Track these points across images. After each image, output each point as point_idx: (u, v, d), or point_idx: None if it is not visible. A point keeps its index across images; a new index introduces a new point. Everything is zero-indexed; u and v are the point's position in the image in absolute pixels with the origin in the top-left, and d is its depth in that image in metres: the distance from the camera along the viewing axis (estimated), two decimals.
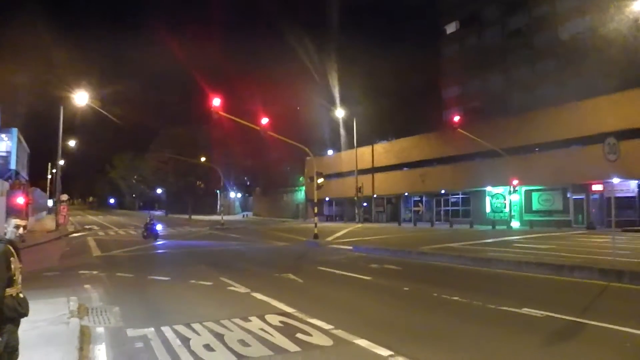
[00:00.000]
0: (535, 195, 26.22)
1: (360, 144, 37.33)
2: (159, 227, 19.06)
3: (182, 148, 45.25)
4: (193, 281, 8.26)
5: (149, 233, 18.68)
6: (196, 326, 5.14)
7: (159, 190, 59.90)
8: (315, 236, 17.90)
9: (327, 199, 42.36)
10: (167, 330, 5.01)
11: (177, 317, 5.60)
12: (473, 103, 39.99)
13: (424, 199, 34.34)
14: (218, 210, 58.27)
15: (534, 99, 33.66)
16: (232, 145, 47.79)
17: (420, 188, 32.55)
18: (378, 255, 12.70)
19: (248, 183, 61.38)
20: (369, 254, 13.22)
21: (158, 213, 61.58)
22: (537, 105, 28.35)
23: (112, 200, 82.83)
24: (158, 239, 18.26)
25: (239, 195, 62.66)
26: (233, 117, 17.64)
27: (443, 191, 31.61)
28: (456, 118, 23.83)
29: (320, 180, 19.23)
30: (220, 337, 4.76)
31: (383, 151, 36.77)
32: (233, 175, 50.89)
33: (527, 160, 25.01)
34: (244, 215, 54.66)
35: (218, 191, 51.94)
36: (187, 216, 45.14)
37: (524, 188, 26.10)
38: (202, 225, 32.85)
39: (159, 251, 14.62)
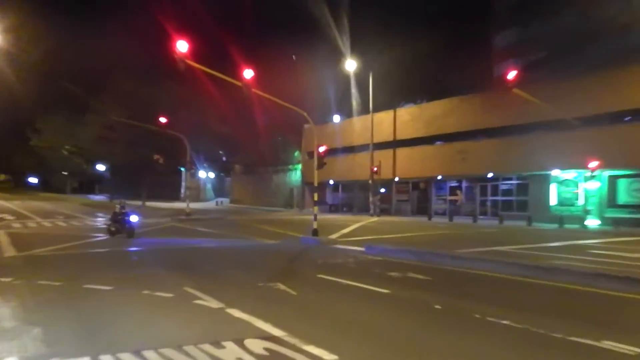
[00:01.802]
0: (622, 183, 26.00)
1: (378, 108, 37.27)
2: (134, 218, 17.91)
3: (135, 109, 44.40)
4: (146, 291, 8.27)
5: (121, 226, 17.84)
6: (149, 354, 5.10)
7: (101, 167, 59.03)
8: (315, 232, 18.12)
9: (331, 182, 42.77)
10: (107, 359, 4.95)
11: (123, 341, 5.57)
12: (535, 53, 39.42)
13: (463, 184, 34.46)
14: (182, 195, 58.72)
15: (625, 47, 32.86)
16: (205, 107, 47.62)
17: (459, 170, 32.59)
18: (399, 260, 12.82)
19: (225, 159, 61.48)
20: (387, 257, 13.35)
21: (99, 198, 61.77)
22: (630, 57, 27.41)
23: (34, 180, 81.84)
24: (134, 236, 17.54)
25: (212, 175, 62.98)
26: (205, 68, 17.37)
27: (490, 175, 31.68)
28: (511, 74, 23.34)
29: (323, 153, 19.27)
30: None
31: (409, 118, 36.66)
32: (204, 147, 50.53)
33: (613, 133, 24.75)
34: (218, 203, 55.10)
35: (183, 169, 52.06)
36: (139, 202, 45.26)
37: (607, 173, 25.88)
38: (160, 214, 33.15)
39: (98, 250, 14.67)
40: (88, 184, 68.52)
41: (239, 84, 17.45)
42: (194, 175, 52.63)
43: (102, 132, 48.26)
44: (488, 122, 30.80)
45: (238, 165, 58.85)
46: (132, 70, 48.14)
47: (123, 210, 18.19)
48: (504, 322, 6.58)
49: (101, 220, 28.19)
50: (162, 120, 34.43)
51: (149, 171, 49.91)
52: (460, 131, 32.58)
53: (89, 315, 6.89)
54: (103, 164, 57.48)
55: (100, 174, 62.14)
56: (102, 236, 18.69)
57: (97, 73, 51.83)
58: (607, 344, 5.64)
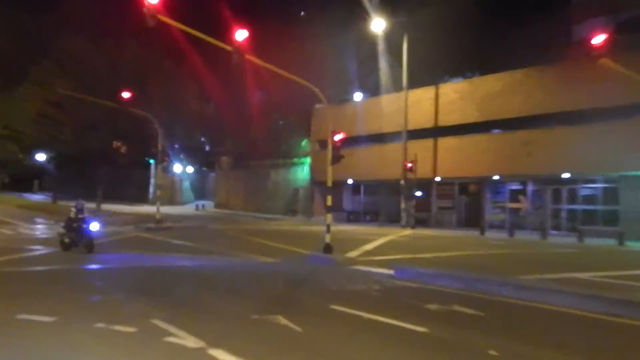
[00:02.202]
0: None
1: (415, 83, 37.28)
2: (94, 226, 18.05)
3: (89, 81, 44.28)
4: (100, 324, 8.34)
5: (77, 237, 18.00)
6: None
7: (41, 157, 58.06)
8: (328, 248, 18.23)
9: (350, 181, 42.97)
10: None
11: None
12: (630, 9, 38.94)
13: (529, 187, 34.36)
14: (151, 196, 59.06)
15: None
16: (182, 80, 47.76)
17: (523, 167, 32.53)
18: (440, 287, 12.87)
19: (208, 148, 61.55)
20: (424, 283, 13.41)
21: (38, 197, 61.93)
22: None
23: None
24: (94, 250, 17.83)
25: (191, 169, 63.23)
26: (182, 26, 17.46)
27: (567, 175, 31.54)
28: (598, 38, 22.96)
29: (339, 143, 19.17)
30: None
31: (456, 97, 36.68)
32: (181, 132, 50.42)
33: None
34: (198, 207, 55.42)
35: (152, 161, 52.12)
36: (93, 205, 45.57)
37: None
38: (121, 221, 33.49)
39: (38, 268, 14.80)
40: (24, 179, 68.04)
41: (228, 48, 17.49)
42: (166, 169, 51.43)
43: (43, 110, 46.96)
44: (564, 103, 30.69)
45: (225, 157, 59.02)
46: (84, 28, 47.24)
47: (80, 216, 18.11)
48: None
49: (41, 228, 28.61)
50: (125, 95, 33.37)
51: (106, 163, 49.16)
52: (526, 115, 32.53)
53: (23, 357, 6.90)
54: (44, 152, 56.16)
55: (40, 166, 60.70)
56: (43, 249, 18.89)
57: (37, 31, 51.76)
58: None
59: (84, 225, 17.86)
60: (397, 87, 39.57)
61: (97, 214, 39.32)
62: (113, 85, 41.10)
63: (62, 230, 18.66)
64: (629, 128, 28.00)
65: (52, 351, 7.11)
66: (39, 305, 9.66)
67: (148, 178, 61.15)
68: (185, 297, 11.07)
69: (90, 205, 45.34)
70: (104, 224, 31.61)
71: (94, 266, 15.43)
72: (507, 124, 33.91)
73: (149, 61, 47.24)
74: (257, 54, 18.45)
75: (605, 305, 10.67)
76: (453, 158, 36.30)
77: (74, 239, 17.98)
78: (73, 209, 18.40)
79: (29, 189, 72.22)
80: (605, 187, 30.95)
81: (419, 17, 38.14)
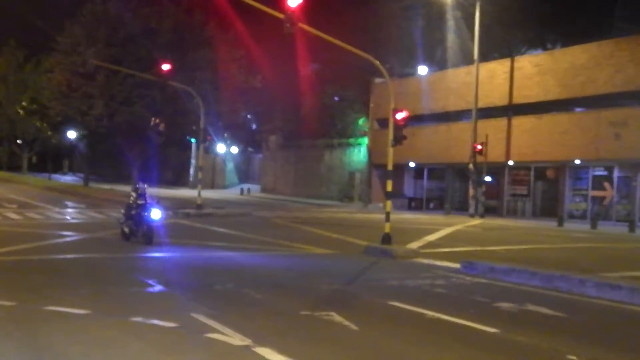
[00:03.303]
0: None
1: (487, 56, 36.69)
2: (155, 213, 17.01)
3: (124, 49, 43.93)
4: (138, 319, 8.35)
5: (137, 226, 17.29)
6: None
7: (71, 134, 58.29)
8: (387, 239, 18.16)
9: (412, 165, 42.84)
10: None
11: None
12: None
13: (615, 174, 33.48)
14: (192, 179, 59.57)
15: None
16: (227, 51, 47.75)
17: (609, 151, 31.81)
18: (513, 285, 12.80)
19: (254, 126, 61.36)
20: (495, 280, 13.34)
21: (68, 179, 61.85)
22: None
23: None
24: (153, 241, 16.96)
25: (235, 150, 63.34)
26: None
27: None
28: None
29: (402, 122, 18.92)
30: None
31: (534, 72, 35.95)
32: (225, 107, 50.08)
33: None
34: (243, 191, 55.81)
35: (193, 140, 51.44)
36: (128, 188, 45.40)
37: None
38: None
39: (69, 256, 15.05)
40: (53, 158, 67.94)
41: (279, 15, 17.47)
42: (208, 149, 50.81)
43: (72, 82, 46.35)
44: None
45: (274, 136, 58.99)
46: None
47: (140, 202, 17.27)
48: None
49: (72, 213, 29.34)
50: (165, 67, 32.20)
51: (142, 142, 48.24)
52: (615, 92, 31.65)
53: (49, 352, 6.92)
54: (74, 129, 56.31)
55: (70, 144, 61.61)
56: (74, 235, 19.30)
57: None
58: None
59: (144, 213, 16.94)
60: (466, 60, 38.89)
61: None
62: (150, 55, 40.89)
63: (122, 218, 18.13)
64: None
65: (87, 348, 7.04)
66: (68, 296, 9.79)
67: (188, 159, 61.76)
68: (229, 291, 11.13)
69: (124, 188, 45.95)
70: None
71: (128, 255, 15.64)
72: (592, 102, 33.21)
73: (189, 29, 46.75)
74: (311, 22, 18.38)
75: None
76: (529, 140, 35.57)
77: (133, 227, 17.34)
78: (133, 194, 17.80)
79: (58, 170, 73.22)
80: None
81: None
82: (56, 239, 18.33)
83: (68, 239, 18.60)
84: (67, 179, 63.57)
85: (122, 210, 18.25)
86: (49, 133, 60.12)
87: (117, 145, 51.23)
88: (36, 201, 33.96)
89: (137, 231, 17.23)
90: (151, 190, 47.67)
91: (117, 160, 55.37)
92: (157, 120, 37.26)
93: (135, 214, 17.28)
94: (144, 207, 17.02)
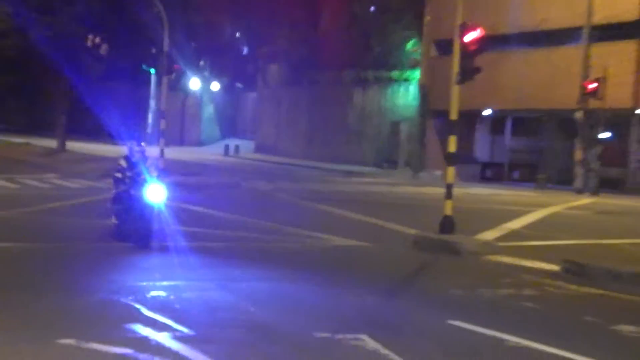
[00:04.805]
0: None
1: None
2: (154, 191, 13.23)
3: None
4: (68, 341, 7.44)
5: (127, 214, 13.49)
6: None
7: None
8: (447, 226, 16.77)
9: (488, 112, 40.00)
10: None
11: None
12: None
13: None
14: (149, 130, 50.82)
15: None
16: None
17: None
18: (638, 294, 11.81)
19: (246, 49, 55.08)
20: (615, 290, 12.10)
21: None
22: None
23: None
24: (150, 244, 13.20)
25: (217, 86, 57.07)
26: None
27: None
28: None
29: (473, 44, 17.15)
30: None
31: None
32: (201, 23, 46.19)
33: None
34: (228, 149, 52.20)
35: (152, 71, 42.84)
36: (52, 143, 42.04)
37: None
38: (96, 170, 31.28)
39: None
40: None
41: None
42: (176, 86, 45.24)
43: None
44: None
45: (276, 65, 52.56)
46: None
47: (129, 173, 13.65)
48: None
49: None
50: None
51: (74, 74, 40.83)
52: None
53: None
54: None
55: None
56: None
57: None
58: None
59: (135, 193, 13.18)
60: None
61: (56, 157, 36.94)
62: None
63: (109, 199, 14.49)
64: None
65: None
66: None
67: (144, 100, 54.48)
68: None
69: (46, 143, 42.63)
70: (65, 174, 30.38)
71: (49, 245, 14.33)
72: None
73: None
74: None
75: None
76: None
77: (123, 216, 13.51)
78: (121, 162, 13.94)
79: None
80: None
81: None
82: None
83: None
84: None
85: (112, 189, 14.38)
86: None
87: (34, 78, 47.20)
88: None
89: (127, 223, 13.40)
90: (86, 146, 44.86)
91: (33, 101, 52.08)
92: (97, 40, 32.50)
93: (123, 194, 13.49)
94: (136, 184, 13.22)
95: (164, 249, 13.24)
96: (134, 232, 13.15)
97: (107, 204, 14.98)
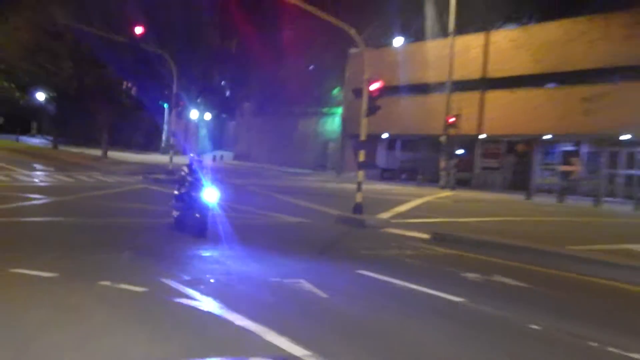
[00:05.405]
0: None
1: (463, 28, 36.72)
2: (210, 194, 12.98)
3: (95, 7, 41.75)
4: (105, 283, 8.30)
5: (186, 210, 13.43)
6: None
7: (40, 96, 57.29)
8: (358, 208, 18.25)
9: (385, 136, 43.03)
10: None
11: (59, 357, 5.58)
12: None
13: (584, 149, 33.88)
14: (163, 144, 58.92)
15: None
16: (201, 13, 46.97)
17: (579, 126, 32.11)
18: (481, 256, 12.97)
19: (228, 93, 61.16)
20: (464, 251, 13.48)
21: (36, 141, 61.23)
22: None
23: None
24: (206, 234, 12.90)
25: (209, 116, 62.99)
26: None
27: (627, 136, 31.16)
28: None
29: (376, 92, 18.87)
30: None
31: (509, 46, 36.20)
32: (199, 74, 49.75)
33: None
34: (215, 158, 55.24)
35: (166, 105, 50.48)
36: (98, 152, 45.56)
37: None
38: (127, 171, 33.65)
39: (38, 219, 14.80)
40: (21, 120, 66.42)
41: None
42: (181, 115, 48.12)
43: (40, 41, 44.85)
44: (632, 56, 30.04)
45: (248, 103, 58.73)
46: None
47: (190, 179, 13.40)
48: (632, 355, 6.59)
49: (40, 176, 28.87)
50: (138, 30, 30.70)
51: (113, 106, 47.18)
52: (587, 69, 32.00)
53: (13, 316, 6.80)
54: (43, 90, 55.25)
55: (39, 106, 60.22)
56: (43, 198, 19.03)
57: None
58: None
59: (195, 194, 12.98)
60: (443, 32, 38.82)
61: (100, 162, 39.28)
62: (121, 16, 39.48)
63: (172, 200, 14.44)
64: None
65: (52, 312, 6.94)
66: (36, 260, 9.57)
67: (160, 124, 60.44)
68: (200, 260, 11.02)
69: (95, 152, 45.57)
70: (107, 172, 31.99)
71: (99, 220, 15.38)
72: (565, 78, 33.45)
73: None
74: None
75: None
76: (502, 113, 35.93)
77: (184, 212, 13.47)
78: (185, 168, 13.80)
79: (26, 132, 71.11)
80: None
81: None
82: (23, 202, 17.85)
83: (36, 202, 18.20)
84: (35, 141, 62.46)
85: (174, 191, 14.24)
86: (17, 94, 58.43)
87: (87, 108, 49.44)
88: (3, 163, 32.86)
89: (187, 218, 13.32)
90: (121, 155, 46.58)
91: (86, 123, 53.91)
92: (129, 84, 36.44)
93: (184, 195, 13.48)
94: (195, 186, 13.08)
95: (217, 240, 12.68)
96: (191, 226, 12.94)
97: (170, 201, 14.42)
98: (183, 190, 13.44)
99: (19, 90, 56.95)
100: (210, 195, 12.84)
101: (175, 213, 13.70)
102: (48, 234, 12.79)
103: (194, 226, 12.90)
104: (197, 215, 12.85)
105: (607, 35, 31.43)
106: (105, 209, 17.48)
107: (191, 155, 13.90)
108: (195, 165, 13.52)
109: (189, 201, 13.18)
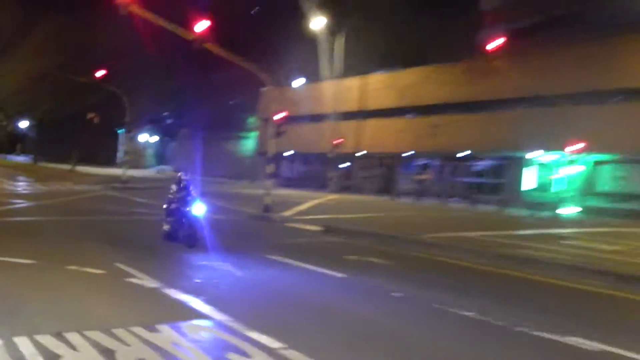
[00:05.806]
0: (606, 170, 26.71)
1: (350, 74, 37.34)
2: (198, 208, 11.26)
3: (69, 58, 43.27)
4: (73, 267, 8.27)
5: (178, 224, 11.37)
6: (72, 337, 5.10)
7: (23, 124, 57.39)
8: (267, 208, 18.18)
9: (288, 153, 42.47)
10: (23, 342, 4.92)
11: (43, 322, 5.56)
12: (526, 19, 39.06)
13: (432, 163, 34.97)
14: (119, 160, 57.30)
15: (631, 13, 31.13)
16: (148, 61, 46.09)
17: (430, 146, 32.98)
18: (358, 242, 13.17)
19: (169, 121, 60.33)
20: (346, 239, 13.68)
21: (20, 159, 59.72)
22: (624, 29, 24.98)
23: None
24: (197, 244, 10.97)
25: (154, 138, 61.79)
26: (153, 17, 16.78)
27: (464, 153, 32.33)
28: (492, 44, 23.11)
29: (280, 120, 19.17)
30: (109, 354, 4.76)
31: (380, 86, 36.93)
32: (146, 106, 49.48)
33: (601, 114, 25.08)
34: (159, 171, 54.18)
35: (121, 131, 50.95)
36: (68, 166, 44.09)
37: (591, 157, 26.42)
38: (92, 181, 32.55)
39: (20, 218, 14.33)
40: (8, 142, 65.79)
41: (190, 36, 16.88)
42: (133, 138, 50.61)
43: (27, 84, 46.27)
44: (467, 95, 31.24)
45: (185, 129, 57.69)
46: (63, 11, 45.58)
47: (178, 195, 11.57)
48: (467, 313, 6.82)
49: (22, 185, 27.59)
50: (99, 74, 32.65)
51: (81, 131, 48.34)
52: (436, 103, 33.01)
53: (3, 291, 6.80)
54: (26, 119, 55.46)
55: (22, 132, 59.99)
56: (24, 203, 18.37)
57: (20, 10, 48.66)
58: (572, 340, 5.90)
59: (184, 208, 11.27)
60: (332, 75, 39.37)
61: (70, 174, 37.75)
62: (88, 63, 39.53)
63: (164, 213, 12.08)
64: (514, 118, 28.98)
65: (33, 287, 7.12)
66: (16, 249, 9.48)
67: (116, 145, 59.71)
68: (142, 244, 11.15)
69: (66, 166, 43.87)
70: (76, 182, 30.66)
71: (71, 218, 14.94)
72: (420, 110, 34.32)
73: (121, 44, 44.61)
74: (217, 40, 17.90)
75: (491, 259, 11.13)
76: (375, 137, 36.53)
77: (174, 225, 11.44)
78: (173, 186, 11.82)
79: (12, 152, 69.14)
80: (493, 164, 32.00)
81: (355, 17, 37.68)
82: (9, 206, 17.33)
83: (17, 206, 17.65)
84: (20, 158, 60.72)
85: (164, 205, 11.88)
86: (4, 123, 58.42)
87: (61, 133, 51.43)
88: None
89: (178, 230, 11.36)
90: (87, 169, 45.11)
91: (61, 143, 53.15)
92: (93, 115, 37.29)
93: (175, 209, 11.53)
94: (185, 201, 11.35)
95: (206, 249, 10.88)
96: (183, 237, 11.17)
97: (164, 212, 11.76)
98: (173, 207, 11.49)
99: (6, 120, 58.21)
100: (199, 209, 11.27)
101: (166, 226, 11.50)
102: (28, 230, 12.58)
103: (186, 238, 11.08)
104: (188, 227, 11.13)
105: (449, 79, 32.67)
106: (76, 210, 17.31)
107: (179, 174, 12.10)
108: (184, 183, 11.65)
109: (179, 215, 11.35)
